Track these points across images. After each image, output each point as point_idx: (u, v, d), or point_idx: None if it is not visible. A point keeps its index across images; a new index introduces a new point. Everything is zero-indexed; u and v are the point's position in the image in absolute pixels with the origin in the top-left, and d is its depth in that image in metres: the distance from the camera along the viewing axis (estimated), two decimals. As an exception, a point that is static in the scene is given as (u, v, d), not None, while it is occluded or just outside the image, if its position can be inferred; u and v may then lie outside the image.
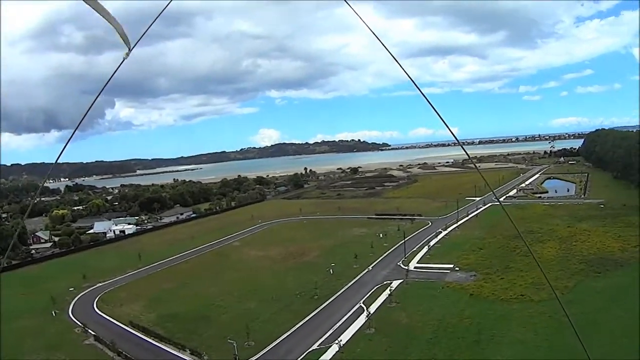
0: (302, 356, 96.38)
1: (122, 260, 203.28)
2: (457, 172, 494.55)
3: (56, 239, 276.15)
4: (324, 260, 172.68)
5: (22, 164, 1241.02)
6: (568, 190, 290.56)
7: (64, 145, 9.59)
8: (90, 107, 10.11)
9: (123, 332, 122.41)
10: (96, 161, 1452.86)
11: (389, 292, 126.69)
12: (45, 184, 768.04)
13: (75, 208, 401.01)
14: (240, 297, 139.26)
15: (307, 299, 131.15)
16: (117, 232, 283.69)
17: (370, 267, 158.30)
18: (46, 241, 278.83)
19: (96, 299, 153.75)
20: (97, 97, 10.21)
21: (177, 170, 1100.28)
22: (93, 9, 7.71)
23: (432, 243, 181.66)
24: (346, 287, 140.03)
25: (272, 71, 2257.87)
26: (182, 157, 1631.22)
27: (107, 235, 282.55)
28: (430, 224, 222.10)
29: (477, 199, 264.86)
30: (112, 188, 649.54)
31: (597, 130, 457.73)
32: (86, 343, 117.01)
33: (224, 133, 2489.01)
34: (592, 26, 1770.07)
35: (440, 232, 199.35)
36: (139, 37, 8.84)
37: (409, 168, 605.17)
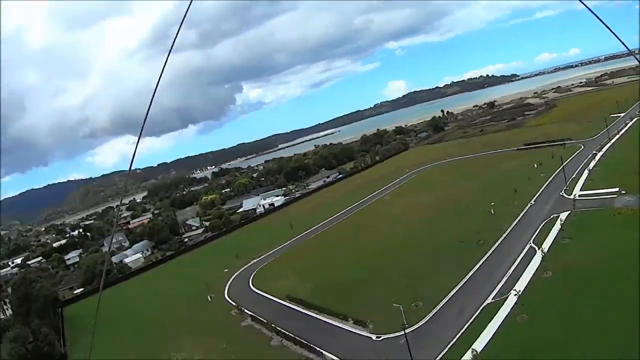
0: (477, 313, 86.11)
1: (273, 234, 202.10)
2: (593, 91, 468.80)
3: (207, 223, 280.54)
4: (482, 200, 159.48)
5: (168, 161, 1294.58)
6: None
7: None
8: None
9: (281, 307, 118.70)
10: (237, 144, 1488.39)
11: (559, 227, 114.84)
12: (193, 175, 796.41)
13: (224, 191, 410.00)
14: (399, 254, 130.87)
15: (472, 245, 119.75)
16: (267, 206, 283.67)
17: (532, 201, 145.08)
18: (197, 228, 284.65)
19: (251, 277, 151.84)
20: None
21: (317, 137, 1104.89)
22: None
23: (590, 166, 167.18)
24: (511, 227, 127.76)
25: (384, 23, 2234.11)
26: (318, 124, 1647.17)
27: (257, 211, 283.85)
28: (582, 147, 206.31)
29: (622, 114, 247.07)
30: (257, 166, 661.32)
31: None
32: (244, 325, 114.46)
33: (353, 93, 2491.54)
34: None
35: (595, 154, 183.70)
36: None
37: (544, 94, 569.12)
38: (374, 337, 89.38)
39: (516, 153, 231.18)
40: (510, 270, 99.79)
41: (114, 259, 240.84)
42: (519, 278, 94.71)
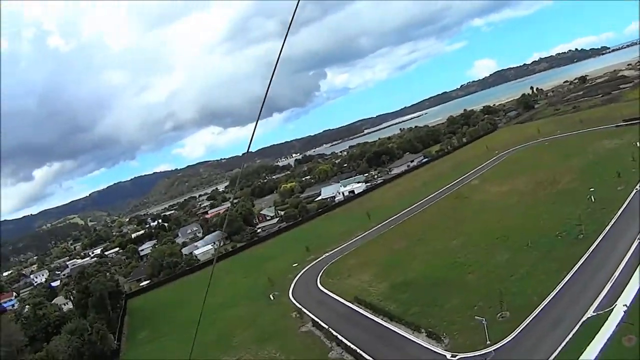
0: (574, 330, 68.44)
1: (350, 223, 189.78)
2: None
3: (282, 213, 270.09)
4: (581, 184, 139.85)
5: (253, 150, 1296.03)
6: None
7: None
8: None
9: (347, 311, 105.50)
10: (323, 131, 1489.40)
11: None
12: (277, 163, 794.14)
13: (304, 179, 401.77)
14: (487, 249, 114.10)
15: (571, 240, 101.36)
16: (347, 194, 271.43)
17: (638, 186, 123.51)
18: (272, 217, 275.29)
19: (320, 273, 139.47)
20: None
21: (403, 121, 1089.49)
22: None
23: None
24: (616, 216, 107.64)
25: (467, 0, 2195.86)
26: (405, 107, 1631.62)
27: (336, 198, 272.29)
28: None
29: None
30: (341, 151, 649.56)
31: None
32: (302, 330, 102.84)
33: (440, 74, 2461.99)
34: None
35: None
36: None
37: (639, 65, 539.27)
38: (448, 355, 74.02)
39: (615, 130, 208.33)
40: (616, 274, 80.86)
41: (185, 251, 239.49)
42: (627, 285, 76.06)
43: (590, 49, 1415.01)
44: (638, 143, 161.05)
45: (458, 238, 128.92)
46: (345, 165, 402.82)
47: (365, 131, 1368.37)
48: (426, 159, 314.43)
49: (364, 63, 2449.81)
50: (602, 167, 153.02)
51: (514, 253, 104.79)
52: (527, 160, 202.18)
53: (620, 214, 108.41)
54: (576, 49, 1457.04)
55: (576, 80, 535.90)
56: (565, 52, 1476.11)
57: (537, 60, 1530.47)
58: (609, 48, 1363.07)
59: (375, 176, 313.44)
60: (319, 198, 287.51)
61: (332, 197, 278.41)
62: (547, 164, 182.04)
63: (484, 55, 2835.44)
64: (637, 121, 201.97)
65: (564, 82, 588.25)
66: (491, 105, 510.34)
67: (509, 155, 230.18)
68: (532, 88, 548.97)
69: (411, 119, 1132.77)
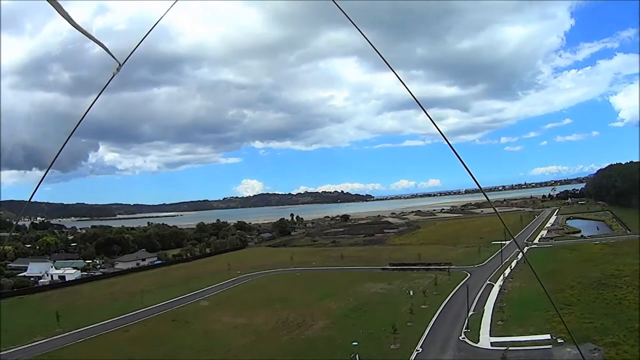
0: None
1: (34, 320, 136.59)
2: (461, 218, 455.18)
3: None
4: (339, 334, 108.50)
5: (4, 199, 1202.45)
6: (598, 229, 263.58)
7: (40, 181, 9.25)
8: (70, 135, 9.67)
9: None
10: (77, 203, 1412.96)
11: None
12: (14, 221, 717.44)
13: (27, 245, 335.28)
14: None
15: None
16: (55, 277, 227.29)
17: (419, 347, 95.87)
18: None
19: None
20: (92, 104, 9.72)
21: (158, 217, 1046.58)
22: (79, 30, 7.79)
23: (491, 302, 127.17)
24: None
25: (256, 121, 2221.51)
26: (164, 204, 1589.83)
27: (40, 280, 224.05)
28: (469, 275, 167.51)
29: (506, 242, 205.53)
30: (82, 229, 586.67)
31: (610, 165, 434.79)
32: None
33: (206, 182, 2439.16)
34: (569, 76, 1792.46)
35: (492, 285, 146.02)
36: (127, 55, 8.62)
37: (404, 215, 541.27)
38: None
39: (382, 273, 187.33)
40: None
41: None
42: None
43: (356, 194, 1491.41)
44: (411, 292, 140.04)
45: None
46: (75, 244, 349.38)
47: (118, 216, 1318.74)
48: (159, 262, 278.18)
49: (138, 149, 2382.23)
50: (368, 314, 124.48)
51: None
52: (274, 290, 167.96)
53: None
54: (342, 192, 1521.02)
55: (338, 217, 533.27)
56: (331, 192, 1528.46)
57: (302, 193, 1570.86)
58: (373, 197, 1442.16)
59: (98, 266, 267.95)
60: (24, 273, 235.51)
61: (38, 276, 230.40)
62: (297, 299, 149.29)
63: (254, 176, 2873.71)
64: (406, 267, 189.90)
65: (326, 217, 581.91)
66: (247, 222, 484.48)
67: (254, 280, 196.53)
68: (292, 215, 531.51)
69: (166, 216, 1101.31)
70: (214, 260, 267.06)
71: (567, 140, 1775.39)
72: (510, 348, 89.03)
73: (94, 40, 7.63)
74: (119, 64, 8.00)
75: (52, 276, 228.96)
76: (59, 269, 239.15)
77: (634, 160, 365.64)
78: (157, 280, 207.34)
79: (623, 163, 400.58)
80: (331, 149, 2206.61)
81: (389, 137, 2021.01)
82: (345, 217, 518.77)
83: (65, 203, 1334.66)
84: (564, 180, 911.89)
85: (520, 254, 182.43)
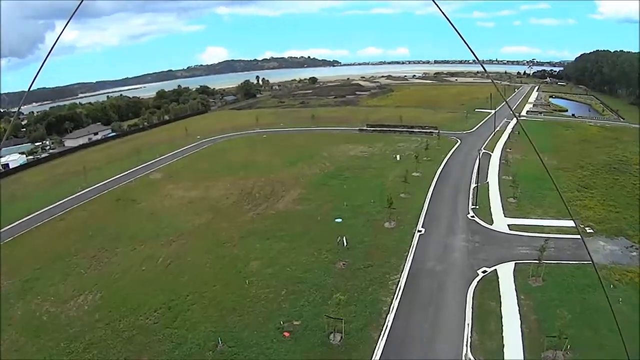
0: None
1: None
2: (435, 84, 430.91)
3: None
4: (317, 207, 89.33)
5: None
6: (590, 111, 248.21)
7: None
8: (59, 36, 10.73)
9: None
10: (38, 89, 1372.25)
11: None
12: None
13: None
14: (127, 318, 58.44)
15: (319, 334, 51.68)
16: None
17: (420, 227, 76.77)
18: None
19: None
20: (64, 28, 10.78)
21: (121, 91, 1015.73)
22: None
23: (493, 174, 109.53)
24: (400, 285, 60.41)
25: None
26: (126, 78, 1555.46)
27: None
28: (459, 141, 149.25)
29: (491, 111, 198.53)
30: (39, 113, 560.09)
31: (597, 51, 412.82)
32: None
33: (170, 53, 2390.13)
34: None
35: (489, 154, 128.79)
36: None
37: (374, 80, 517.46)
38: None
39: (359, 135, 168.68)
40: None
41: None
42: None
43: (323, 60, 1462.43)
44: (398, 157, 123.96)
45: (84, 285, 68.41)
46: (25, 129, 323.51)
47: (80, 95, 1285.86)
48: (114, 134, 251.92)
49: (98, 24, 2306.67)
50: (350, 183, 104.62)
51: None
52: (236, 156, 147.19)
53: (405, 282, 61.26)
54: (309, 57, 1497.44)
55: (306, 80, 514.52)
56: (297, 57, 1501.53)
57: (268, 58, 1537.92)
58: (340, 62, 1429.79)
59: (48, 147, 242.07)
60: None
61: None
62: (263, 165, 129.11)
63: (218, 43, 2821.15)
64: (387, 129, 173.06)
65: (293, 80, 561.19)
66: (210, 87, 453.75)
67: (214, 145, 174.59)
68: (257, 77, 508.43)
69: (129, 89, 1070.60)
70: (173, 127, 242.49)
71: (541, 24, 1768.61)
72: (530, 234, 72.59)
73: None
74: None
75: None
76: (3, 157, 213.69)
77: (624, 50, 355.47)
78: (107, 154, 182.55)
79: (612, 51, 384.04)
80: (298, 15, 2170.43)
81: (358, 5, 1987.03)
82: (314, 80, 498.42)
83: (25, 90, 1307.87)
84: (537, 61, 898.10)
85: (511, 124, 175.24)
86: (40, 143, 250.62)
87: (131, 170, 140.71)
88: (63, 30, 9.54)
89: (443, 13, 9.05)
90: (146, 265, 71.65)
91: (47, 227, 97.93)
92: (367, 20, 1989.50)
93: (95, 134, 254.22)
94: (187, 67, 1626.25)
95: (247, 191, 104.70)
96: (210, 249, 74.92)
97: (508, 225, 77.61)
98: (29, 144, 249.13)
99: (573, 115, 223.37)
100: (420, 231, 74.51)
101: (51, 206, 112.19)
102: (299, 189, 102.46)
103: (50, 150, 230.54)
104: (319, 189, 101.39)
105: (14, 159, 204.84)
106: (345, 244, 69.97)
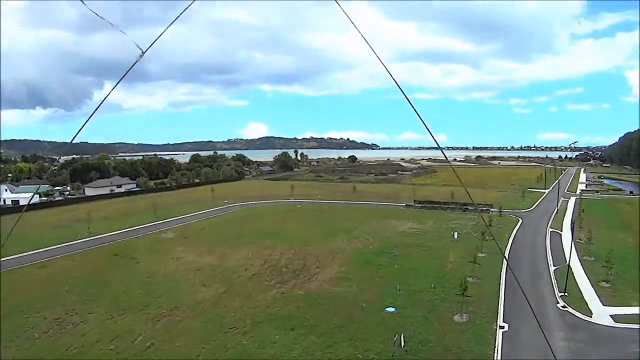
0: None
1: None
2: (477, 167, 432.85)
3: None
4: (360, 290, 69.41)
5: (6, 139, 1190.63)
6: None
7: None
8: (108, 94, 11.14)
9: None
10: (81, 142, 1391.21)
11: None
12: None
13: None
14: None
15: None
16: (8, 202, 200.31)
17: (500, 321, 57.45)
18: None
19: None
20: (113, 89, 11.29)
21: (161, 155, 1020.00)
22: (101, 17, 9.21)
23: (571, 255, 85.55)
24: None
25: (265, 64, 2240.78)
26: (167, 144, 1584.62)
27: None
28: (520, 219, 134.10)
29: (544, 190, 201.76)
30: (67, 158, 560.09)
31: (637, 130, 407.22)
32: None
33: (212, 124, 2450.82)
34: (586, 45, 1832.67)
35: (559, 234, 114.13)
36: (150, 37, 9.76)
37: (415, 162, 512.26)
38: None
39: (406, 210, 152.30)
40: None
41: None
42: None
43: (361, 142, 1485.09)
44: (456, 234, 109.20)
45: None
46: (54, 170, 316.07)
47: (121, 154, 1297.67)
48: (138, 189, 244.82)
49: (145, 89, 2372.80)
50: (402, 263, 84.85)
51: None
52: (265, 223, 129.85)
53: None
54: (348, 139, 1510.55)
55: (345, 158, 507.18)
56: (336, 139, 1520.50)
57: (307, 138, 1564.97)
58: (378, 146, 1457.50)
59: (67, 192, 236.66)
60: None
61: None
62: (295, 235, 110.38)
63: (260, 119, 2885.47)
64: (438, 205, 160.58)
65: (332, 158, 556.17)
66: (247, 157, 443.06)
67: (241, 210, 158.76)
68: (296, 152, 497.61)
69: (167, 154, 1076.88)
70: (201, 190, 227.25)
71: (578, 109, 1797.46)
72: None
73: (119, 30, 9.20)
74: (142, 51, 8.87)
75: (4, 200, 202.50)
76: (13, 192, 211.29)
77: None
78: (123, 207, 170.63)
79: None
80: (339, 96, 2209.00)
81: (398, 90, 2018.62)
82: (353, 158, 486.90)
83: (67, 141, 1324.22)
84: (574, 147, 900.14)
85: (570, 202, 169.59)
86: (61, 187, 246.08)
87: (142, 226, 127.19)
88: (113, 88, 10.52)
89: (404, 93, 9.43)
90: (117, 344, 51.99)
91: (22, 273, 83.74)
92: (407, 105, 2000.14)
93: (119, 186, 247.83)
94: (228, 140, 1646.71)
95: (271, 263, 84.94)
96: (210, 335, 54.25)
97: (611, 316, 59.60)
98: (47, 185, 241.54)
99: (631, 192, 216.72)
100: (502, 327, 54.55)
101: (38, 250, 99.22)
102: (336, 266, 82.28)
103: (68, 195, 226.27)
104: (362, 268, 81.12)
105: (24, 196, 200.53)
106: (402, 344, 49.90)
